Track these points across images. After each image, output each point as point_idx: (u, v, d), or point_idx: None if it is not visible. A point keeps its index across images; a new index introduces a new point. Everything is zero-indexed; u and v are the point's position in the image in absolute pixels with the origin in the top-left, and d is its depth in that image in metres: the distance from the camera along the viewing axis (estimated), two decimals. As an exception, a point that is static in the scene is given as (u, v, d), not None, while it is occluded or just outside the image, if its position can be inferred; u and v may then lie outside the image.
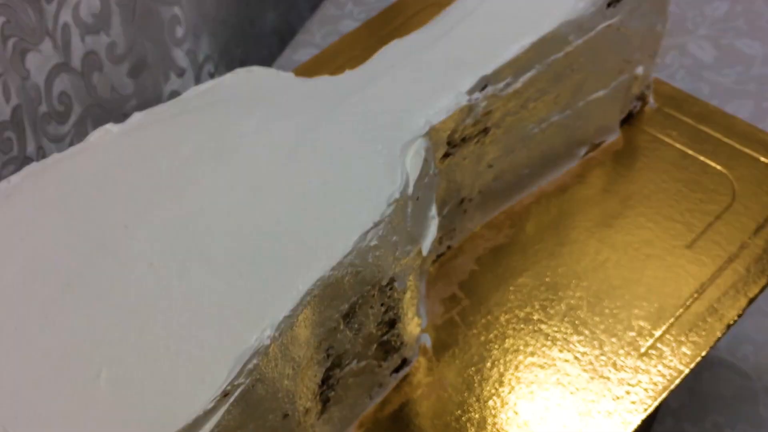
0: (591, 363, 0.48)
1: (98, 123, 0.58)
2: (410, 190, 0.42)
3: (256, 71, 0.48)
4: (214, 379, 0.35)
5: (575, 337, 0.50)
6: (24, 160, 0.57)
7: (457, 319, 0.52)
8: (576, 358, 0.49)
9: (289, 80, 0.48)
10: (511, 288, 0.53)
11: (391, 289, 0.43)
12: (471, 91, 0.47)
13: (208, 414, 0.34)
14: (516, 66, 0.48)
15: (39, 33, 0.55)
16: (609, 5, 0.51)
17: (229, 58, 0.76)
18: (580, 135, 0.58)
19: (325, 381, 0.43)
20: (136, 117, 0.46)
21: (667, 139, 0.60)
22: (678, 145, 0.60)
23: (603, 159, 0.60)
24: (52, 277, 0.39)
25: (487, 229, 0.57)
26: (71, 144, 0.50)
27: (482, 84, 0.47)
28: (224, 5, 0.80)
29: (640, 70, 0.58)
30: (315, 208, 0.41)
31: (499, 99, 0.49)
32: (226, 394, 0.35)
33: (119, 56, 0.57)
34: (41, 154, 0.58)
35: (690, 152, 0.59)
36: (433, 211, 0.45)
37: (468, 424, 0.47)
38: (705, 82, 0.72)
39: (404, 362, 0.50)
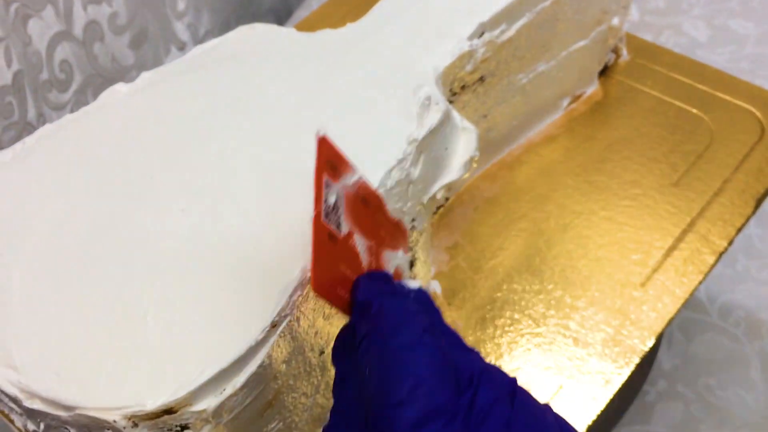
0: (591, 299, 0.50)
1: (99, 92, 0.57)
2: (425, 131, 0.43)
3: (259, 27, 0.49)
4: (263, 310, 0.35)
5: (574, 275, 0.52)
6: (25, 126, 0.56)
7: (463, 265, 0.54)
8: (577, 296, 0.51)
9: (293, 35, 0.49)
10: (512, 233, 0.55)
11: (412, 229, 0.44)
12: (471, 37, 0.48)
13: (259, 345, 0.35)
14: (509, 13, 0.50)
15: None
16: (591, -45, 0.53)
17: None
18: (563, 86, 0.60)
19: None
20: (146, 75, 0.46)
21: (643, 88, 0.63)
22: (654, 93, 0.62)
23: (584, 109, 0.63)
24: (86, 228, 0.39)
25: (481, 180, 0.58)
26: (72, 112, 0.50)
27: (480, 30, 0.49)
28: (226, -21, 0.80)
29: (615, 21, 0.60)
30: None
31: (494, 46, 0.50)
32: (274, 325, 0.35)
33: (120, 27, 0.57)
34: (42, 120, 0.57)
35: (666, 98, 0.62)
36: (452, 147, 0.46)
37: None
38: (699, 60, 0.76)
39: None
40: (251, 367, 0.35)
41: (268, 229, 0.38)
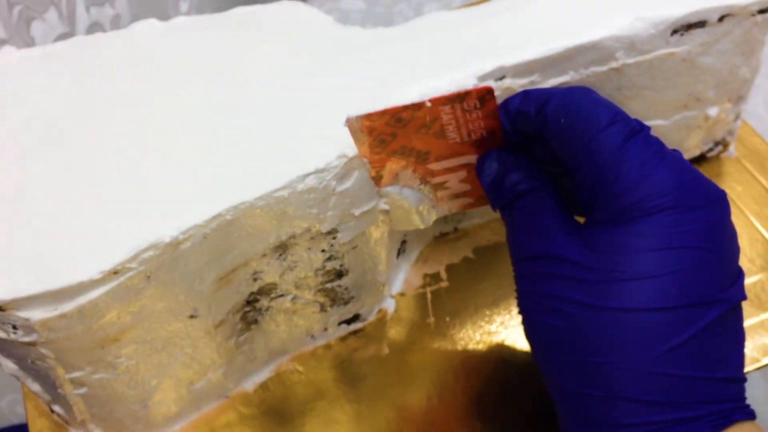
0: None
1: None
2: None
3: (300, 7, 0.51)
4: (109, 257, 0.38)
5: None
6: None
7: (428, 297, 0.53)
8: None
9: (325, 22, 0.50)
10: (493, 282, 0.53)
11: (334, 238, 0.45)
12: (484, 77, 0.46)
13: (95, 283, 0.38)
14: (542, 65, 0.47)
15: (44, 1, 0.57)
16: (674, 32, 0.48)
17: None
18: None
19: (250, 303, 0.46)
20: (180, 20, 0.50)
21: (736, 201, 0.56)
22: (746, 210, 0.55)
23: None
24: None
25: (497, 223, 0.56)
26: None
27: (499, 73, 0.47)
28: (229, -20, 0.80)
29: (713, 111, 0.54)
30: (283, 137, 0.43)
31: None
32: (115, 272, 0.38)
33: (123, 28, 0.58)
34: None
35: (754, 221, 0.55)
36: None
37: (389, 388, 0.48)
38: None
39: (356, 317, 0.51)
40: (81, 300, 0.38)
41: (180, 179, 0.41)
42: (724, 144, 0.58)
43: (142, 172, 0.42)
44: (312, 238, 0.44)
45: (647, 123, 0.52)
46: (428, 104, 0.37)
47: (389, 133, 0.38)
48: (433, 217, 0.42)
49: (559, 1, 0.49)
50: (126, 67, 0.47)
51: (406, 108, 0.37)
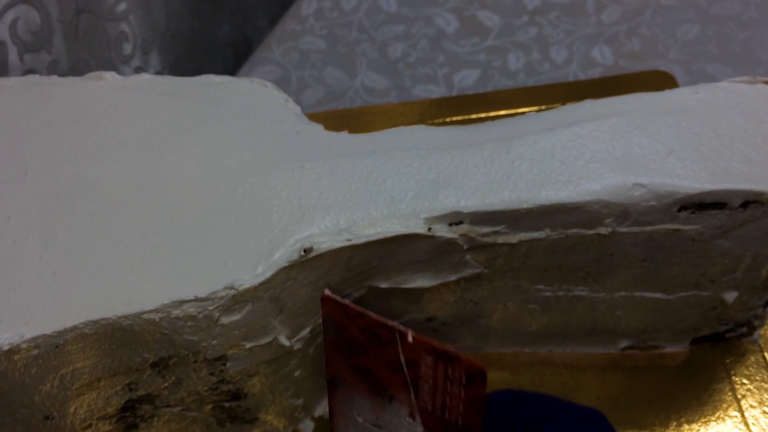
0: None
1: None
2: (254, 282, 0.37)
3: (269, 92, 0.45)
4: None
5: None
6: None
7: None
8: None
9: (291, 114, 0.44)
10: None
11: (224, 364, 0.40)
12: (433, 220, 0.39)
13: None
14: (510, 218, 0.40)
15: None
16: (683, 209, 0.40)
17: (181, 73, 0.66)
18: (616, 324, 0.47)
19: (128, 409, 0.41)
20: (143, 77, 0.46)
21: (740, 390, 0.47)
22: (749, 403, 0.46)
23: (646, 363, 0.49)
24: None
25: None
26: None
27: (455, 218, 0.40)
28: (175, 18, 0.73)
29: (730, 296, 0.45)
30: (179, 249, 0.38)
31: (479, 243, 0.41)
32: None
33: (62, 75, 0.48)
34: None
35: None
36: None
37: None
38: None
39: (264, 436, 0.46)
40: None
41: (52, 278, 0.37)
42: (749, 326, 0.48)
43: (22, 252, 0.38)
44: (195, 361, 0.39)
45: (641, 294, 0.44)
46: (410, 340, 0.31)
47: (360, 343, 0.32)
48: None
49: (549, 144, 0.41)
50: (67, 121, 0.44)
51: (385, 326, 0.31)
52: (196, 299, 0.36)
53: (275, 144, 0.42)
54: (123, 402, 0.41)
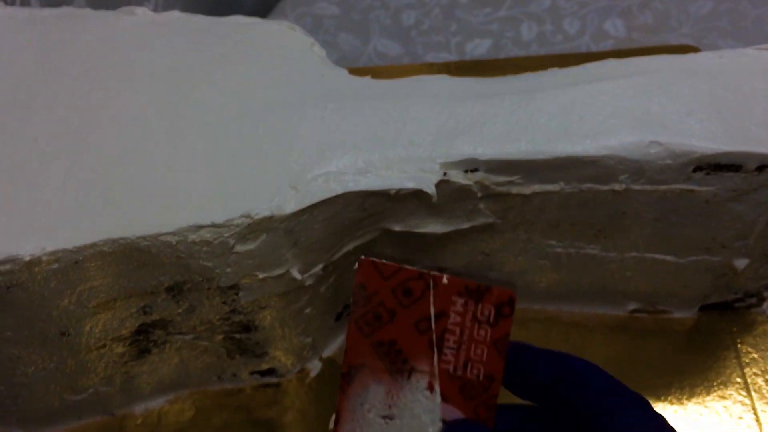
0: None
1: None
2: (268, 213, 0.38)
3: (297, 35, 0.46)
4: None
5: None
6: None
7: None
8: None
9: (317, 57, 0.45)
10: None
11: (236, 294, 0.41)
12: (449, 165, 0.40)
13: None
14: (526, 168, 0.40)
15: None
16: (698, 169, 0.40)
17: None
18: (625, 285, 0.47)
19: (142, 332, 0.43)
20: (174, 14, 0.47)
21: (744, 358, 0.47)
22: (753, 371, 0.47)
23: (653, 326, 0.49)
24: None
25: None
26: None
27: (471, 165, 0.40)
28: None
29: (741, 263, 0.45)
30: (205, 176, 0.39)
31: (494, 191, 0.41)
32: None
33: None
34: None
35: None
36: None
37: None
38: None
39: (271, 372, 0.47)
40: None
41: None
42: (759, 297, 0.48)
43: (49, 171, 0.39)
44: (209, 288, 0.40)
45: (652, 256, 0.45)
46: (445, 281, 0.32)
47: (389, 309, 0.32)
48: None
49: (569, 98, 0.42)
50: (99, 52, 0.45)
51: (421, 275, 0.32)
52: (213, 225, 0.37)
53: (300, 84, 0.43)
54: (137, 325, 0.42)
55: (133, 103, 0.42)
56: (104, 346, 0.42)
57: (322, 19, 0.74)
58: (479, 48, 0.70)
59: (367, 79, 0.44)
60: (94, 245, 0.37)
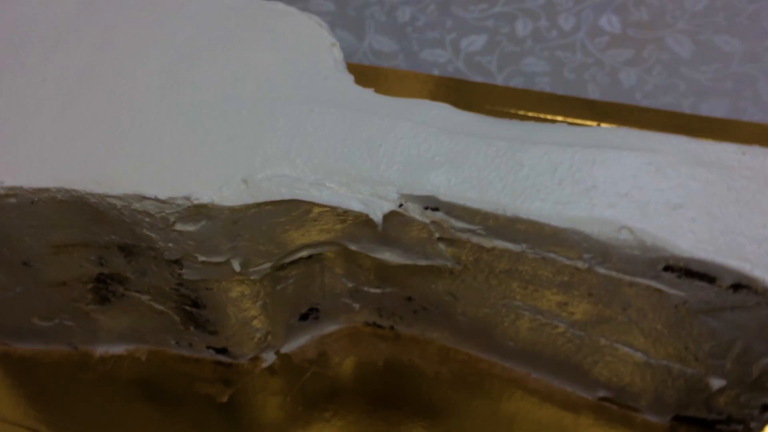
0: None
1: None
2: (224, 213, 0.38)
3: (321, 30, 0.46)
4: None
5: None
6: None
7: (318, 372, 0.48)
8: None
9: (330, 57, 0.45)
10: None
11: (181, 268, 0.42)
12: (408, 198, 0.39)
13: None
14: (484, 221, 0.38)
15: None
16: (668, 269, 0.36)
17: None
18: (594, 370, 0.44)
19: (101, 281, 0.44)
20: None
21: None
22: None
23: (626, 422, 0.45)
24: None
25: (436, 352, 0.48)
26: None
27: (432, 203, 0.39)
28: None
29: (716, 383, 0.40)
30: (181, 145, 0.40)
31: (457, 238, 0.39)
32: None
33: None
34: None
35: None
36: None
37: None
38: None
39: (226, 351, 0.48)
40: None
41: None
42: (745, 425, 0.43)
43: (40, 113, 0.41)
44: (155, 257, 0.41)
45: (621, 348, 0.41)
46: None
47: None
48: None
49: (557, 159, 0.39)
50: (117, 11, 0.47)
51: None
52: (156, 199, 0.38)
53: (299, 82, 0.43)
54: (96, 273, 0.44)
55: (140, 66, 0.43)
56: (65, 284, 0.44)
57: (318, 16, 0.74)
58: (474, 44, 0.69)
59: (369, 92, 0.43)
60: (47, 190, 0.39)
